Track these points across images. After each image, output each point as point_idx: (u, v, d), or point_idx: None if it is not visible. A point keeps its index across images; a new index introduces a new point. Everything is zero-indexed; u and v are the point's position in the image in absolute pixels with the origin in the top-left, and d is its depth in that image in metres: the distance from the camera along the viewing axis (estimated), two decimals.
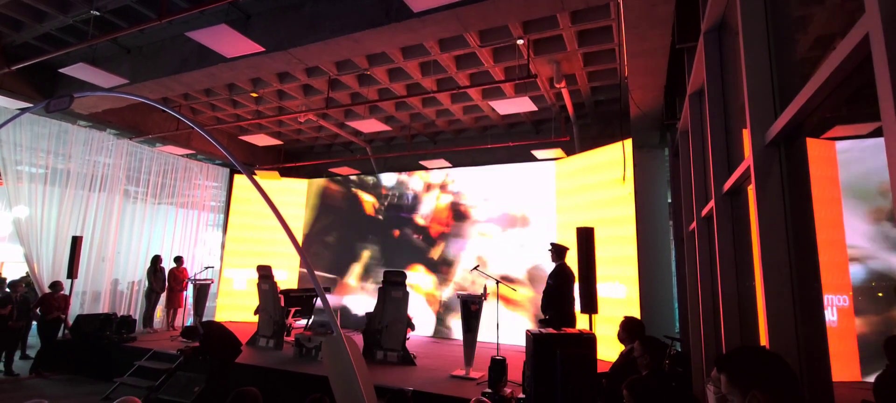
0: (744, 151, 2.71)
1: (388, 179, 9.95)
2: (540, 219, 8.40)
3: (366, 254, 9.78)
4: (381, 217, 9.82)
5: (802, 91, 1.56)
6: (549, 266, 5.40)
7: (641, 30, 4.11)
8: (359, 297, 9.59)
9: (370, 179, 10.05)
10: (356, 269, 9.84)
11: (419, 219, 9.43)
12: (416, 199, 9.51)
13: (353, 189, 10.16)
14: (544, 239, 7.23)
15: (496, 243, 8.67)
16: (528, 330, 2.87)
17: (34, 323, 7.25)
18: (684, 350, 5.10)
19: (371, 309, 8.56)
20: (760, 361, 1.33)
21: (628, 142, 6.57)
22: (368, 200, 10.02)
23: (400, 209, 9.56)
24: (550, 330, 2.72)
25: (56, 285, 7.16)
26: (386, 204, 9.70)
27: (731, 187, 2.62)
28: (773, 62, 1.97)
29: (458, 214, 9.08)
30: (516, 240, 8.50)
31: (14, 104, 7.31)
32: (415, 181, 9.65)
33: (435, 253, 9.15)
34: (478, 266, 7.18)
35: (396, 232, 9.58)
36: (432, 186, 9.38)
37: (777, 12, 1.98)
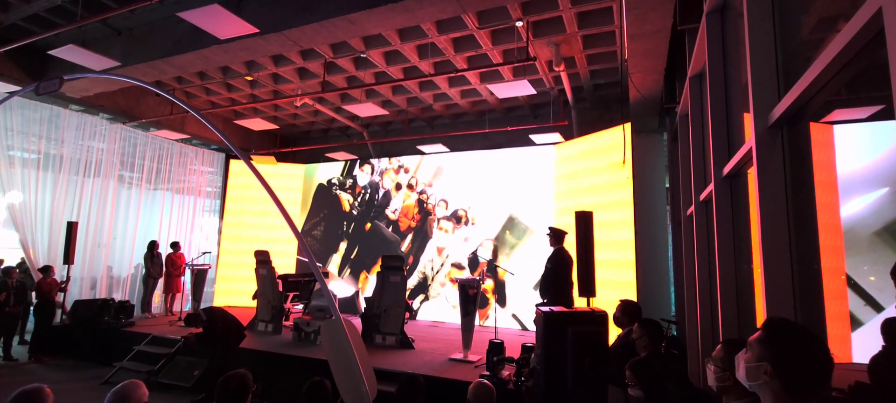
0: (744, 134, 2.69)
1: (362, 178, 10.45)
2: (537, 204, 8.41)
3: (343, 245, 10.36)
4: (355, 212, 10.41)
5: (808, 71, 1.54)
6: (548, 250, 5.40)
7: (642, 11, 4.04)
8: (338, 283, 10.13)
9: (347, 181, 10.52)
10: (335, 259, 10.36)
11: (390, 214, 9.95)
12: (388, 196, 10.02)
13: (335, 190, 10.68)
14: (542, 224, 7.24)
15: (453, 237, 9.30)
16: (537, 308, 2.87)
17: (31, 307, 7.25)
18: (680, 333, 5.16)
19: (349, 294, 8.72)
20: (790, 341, 1.16)
21: (627, 127, 6.54)
22: (346, 198, 10.51)
23: (372, 205, 10.20)
24: (560, 309, 2.72)
25: (47, 269, 7.13)
26: (359, 200, 10.36)
27: (731, 170, 2.61)
28: (777, 43, 1.94)
29: (423, 210, 9.71)
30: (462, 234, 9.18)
31: (3, 87, 7.18)
32: (386, 180, 10.22)
33: (403, 245, 9.73)
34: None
35: (367, 226, 10.14)
36: (401, 185, 10.00)
37: None
